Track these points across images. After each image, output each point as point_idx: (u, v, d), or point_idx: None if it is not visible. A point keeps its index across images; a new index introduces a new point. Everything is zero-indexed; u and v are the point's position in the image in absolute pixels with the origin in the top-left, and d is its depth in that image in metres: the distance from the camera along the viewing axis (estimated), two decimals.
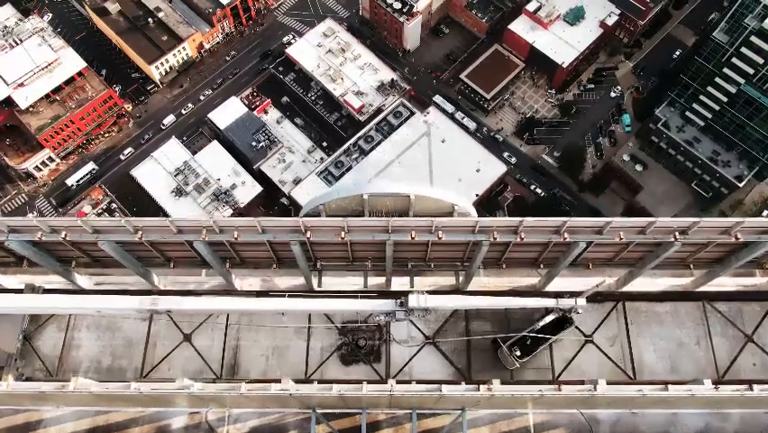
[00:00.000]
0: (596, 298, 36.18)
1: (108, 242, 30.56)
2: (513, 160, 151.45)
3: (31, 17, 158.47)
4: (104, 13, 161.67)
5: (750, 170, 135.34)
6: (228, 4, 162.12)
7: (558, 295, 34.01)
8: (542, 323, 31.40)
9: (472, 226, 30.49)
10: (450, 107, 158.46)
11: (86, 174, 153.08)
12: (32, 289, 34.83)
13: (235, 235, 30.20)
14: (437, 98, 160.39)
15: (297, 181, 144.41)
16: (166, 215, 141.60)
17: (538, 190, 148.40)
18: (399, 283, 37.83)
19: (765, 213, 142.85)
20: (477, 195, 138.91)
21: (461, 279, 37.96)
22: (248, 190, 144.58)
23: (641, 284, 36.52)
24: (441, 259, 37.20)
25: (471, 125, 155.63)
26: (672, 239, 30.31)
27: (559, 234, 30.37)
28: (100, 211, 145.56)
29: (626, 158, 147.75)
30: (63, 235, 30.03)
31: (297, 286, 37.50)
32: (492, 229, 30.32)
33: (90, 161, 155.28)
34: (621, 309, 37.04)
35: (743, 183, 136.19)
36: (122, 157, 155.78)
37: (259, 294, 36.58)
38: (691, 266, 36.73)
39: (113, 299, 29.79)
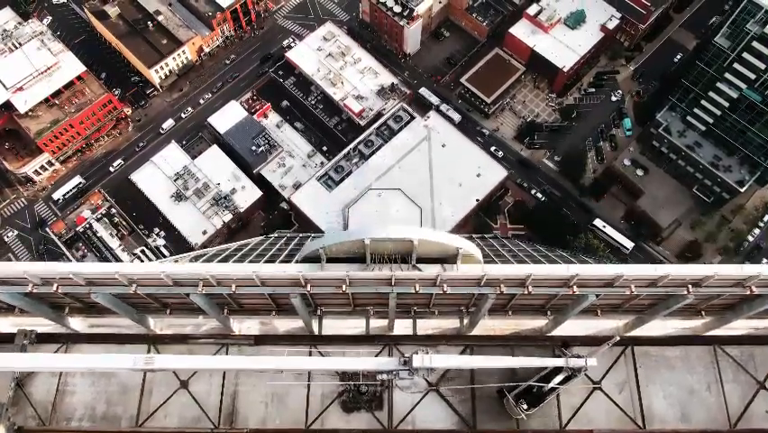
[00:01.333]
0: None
1: (102, 294, 29.65)
2: (500, 153, 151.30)
3: (30, 21, 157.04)
4: (103, 17, 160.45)
5: (751, 175, 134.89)
6: (228, 8, 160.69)
7: (565, 344, 33.24)
8: (551, 384, 30.25)
9: (478, 279, 29.55)
10: (435, 100, 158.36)
11: (73, 188, 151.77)
12: (25, 335, 33.84)
13: (233, 289, 29.35)
14: (423, 90, 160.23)
15: (297, 186, 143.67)
16: (165, 219, 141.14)
17: (539, 195, 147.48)
18: (402, 326, 36.80)
19: (767, 218, 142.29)
20: (477, 200, 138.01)
21: (465, 322, 36.95)
22: (248, 195, 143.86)
23: (650, 328, 35.45)
24: (445, 306, 36.20)
25: (456, 117, 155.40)
26: (685, 292, 29.43)
27: (568, 287, 29.42)
28: (99, 216, 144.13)
29: (626, 162, 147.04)
30: (55, 288, 29.12)
31: (296, 330, 36.50)
32: (499, 282, 29.40)
33: (78, 174, 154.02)
34: (630, 354, 35.88)
35: (744, 188, 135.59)
36: (111, 169, 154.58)
37: (257, 339, 35.62)
38: (702, 313, 35.74)
39: (105, 358, 28.88)
